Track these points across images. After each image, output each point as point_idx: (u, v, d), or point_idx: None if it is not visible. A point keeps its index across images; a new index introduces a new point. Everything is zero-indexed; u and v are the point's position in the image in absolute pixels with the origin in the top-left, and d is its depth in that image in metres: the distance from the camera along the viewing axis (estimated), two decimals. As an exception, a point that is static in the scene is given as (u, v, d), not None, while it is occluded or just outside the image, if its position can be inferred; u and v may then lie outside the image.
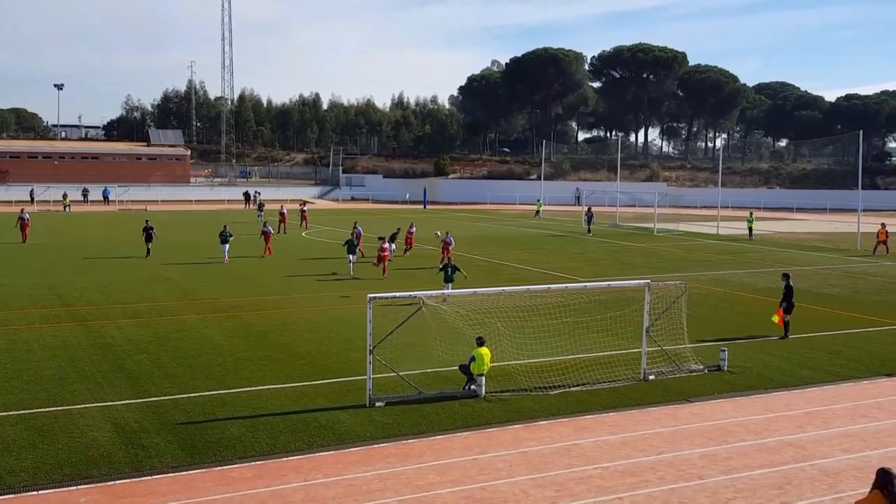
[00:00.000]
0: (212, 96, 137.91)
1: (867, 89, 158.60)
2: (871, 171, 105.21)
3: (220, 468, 13.46)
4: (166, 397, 17.19)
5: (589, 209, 62.41)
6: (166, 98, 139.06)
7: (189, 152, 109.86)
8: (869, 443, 15.12)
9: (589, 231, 59.64)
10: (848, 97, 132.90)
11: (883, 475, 9.10)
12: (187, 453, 14.05)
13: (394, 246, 40.07)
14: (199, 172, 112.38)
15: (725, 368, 20.00)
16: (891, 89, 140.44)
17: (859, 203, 55.24)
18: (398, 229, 42.63)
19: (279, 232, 53.43)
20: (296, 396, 17.39)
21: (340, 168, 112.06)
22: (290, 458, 13.97)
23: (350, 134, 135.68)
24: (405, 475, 13.20)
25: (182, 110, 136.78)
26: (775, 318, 23.98)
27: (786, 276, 24.82)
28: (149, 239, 41.18)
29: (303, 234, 55.14)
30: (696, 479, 13.27)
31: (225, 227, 41.03)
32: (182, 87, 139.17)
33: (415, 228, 43.96)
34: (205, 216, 70.82)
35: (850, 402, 17.80)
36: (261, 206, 67.78)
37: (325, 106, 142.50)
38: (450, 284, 28.62)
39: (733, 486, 12.97)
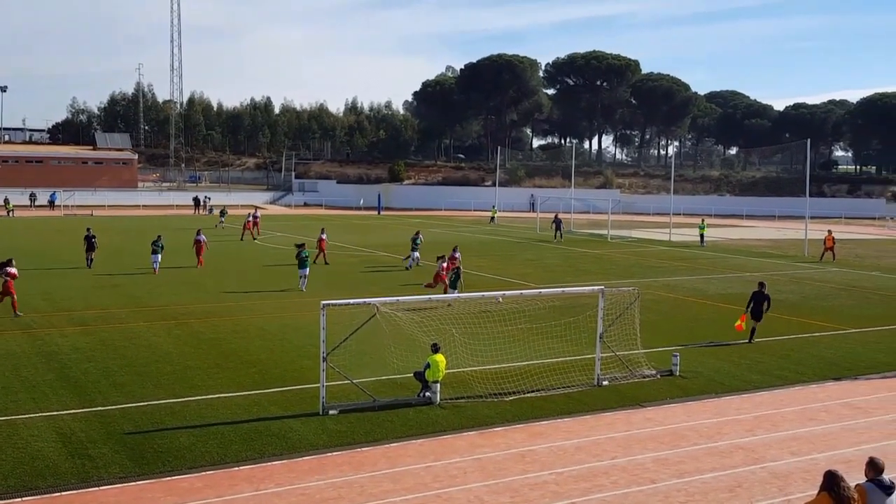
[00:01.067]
0: (160, 99, 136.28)
1: (814, 99, 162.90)
2: (818, 179, 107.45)
3: (169, 478, 13.20)
4: (113, 406, 16.82)
5: (556, 216, 62.96)
6: (113, 101, 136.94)
7: (136, 156, 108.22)
8: (817, 445, 15.36)
9: (559, 237, 59.97)
10: (796, 106, 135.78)
11: (830, 477, 9.24)
12: (135, 463, 13.76)
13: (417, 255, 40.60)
14: (147, 177, 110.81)
15: (677, 373, 20.19)
16: (837, 99, 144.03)
17: (807, 210, 56.35)
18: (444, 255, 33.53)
19: (241, 238, 53.26)
20: (247, 405, 17.14)
21: (293, 173, 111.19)
22: (241, 467, 13.75)
23: (303, 139, 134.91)
24: (359, 483, 13.07)
25: (129, 113, 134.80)
26: (741, 325, 24.20)
27: (760, 285, 25.20)
28: (90, 248, 38.30)
29: (255, 240, 54.52)
30: (649, 483, 13.35)
31: (158, 237, 38.29)
32: (129, 90, 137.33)
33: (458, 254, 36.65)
34: (153, 222, 69.73)
35: (799, 405, 18.07)
36: (223, 213, 66.68)
37: (276, 110, 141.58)
38: (454, 291, 28.35)
39: (685, 490, 13.07)
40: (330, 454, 14.43)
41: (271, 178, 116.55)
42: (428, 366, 17.61)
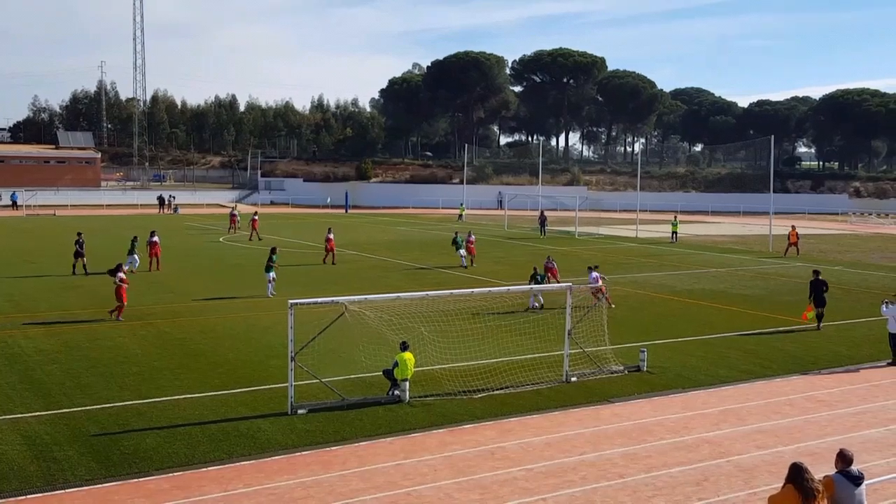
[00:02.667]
0: (123, 97, 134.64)
1: (778, 95, 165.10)
2: (781, 175, 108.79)
3: (136, 480, 13.07)
4: (79, 409, 16.62)
5: (542, 213, 63.59)
6: (75, 99, 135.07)
7: (100, 155, 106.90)
8: (782, 439, 15.56)
9: (544, 234, 61.09)
10: (760, 103, 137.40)
11: (795, 470, 9.34)
12: (102, 466, 13.60)
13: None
14: (111, 176, 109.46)
15: (645, 369, 20.36)
16: (800, 96, 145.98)
17: (771, 206, 57.07)
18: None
19: (250, 238, 52.28)
20: (215, 405, 17.01)
21: (259, 172, 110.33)
22: (209, 468, 13.65)
23: (268, 137, 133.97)
24: (328, 483, 13.03)
25: (92, 112, 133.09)
26: (808, 315, 25.72)
27: (815, 273, 27.04)
28: (78, 255, 36.07)
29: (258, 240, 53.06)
30: (618, 478, 13.44)
31: (135, 238, 38.00)
32: (92, 88, 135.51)
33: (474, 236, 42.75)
34: (117, 221, 68.95)
35: (764, 399, 18.30)
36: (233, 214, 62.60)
37: (242, 108, 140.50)
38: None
39: (653, 484, 13.18)
40: (299, 454, 14.37)
41: (237, 176, 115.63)
42: (397, 364, 17.60)
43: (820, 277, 26.70)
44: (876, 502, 12.18)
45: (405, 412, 16.77)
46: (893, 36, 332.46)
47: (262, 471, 13.55)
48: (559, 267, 33.67)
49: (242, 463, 13.89)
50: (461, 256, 41.17)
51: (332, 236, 42.14)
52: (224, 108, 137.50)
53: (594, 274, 28.98)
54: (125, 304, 26.18)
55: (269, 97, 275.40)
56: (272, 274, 31.33)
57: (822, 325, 26.19)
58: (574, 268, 41.29)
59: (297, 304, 16.81)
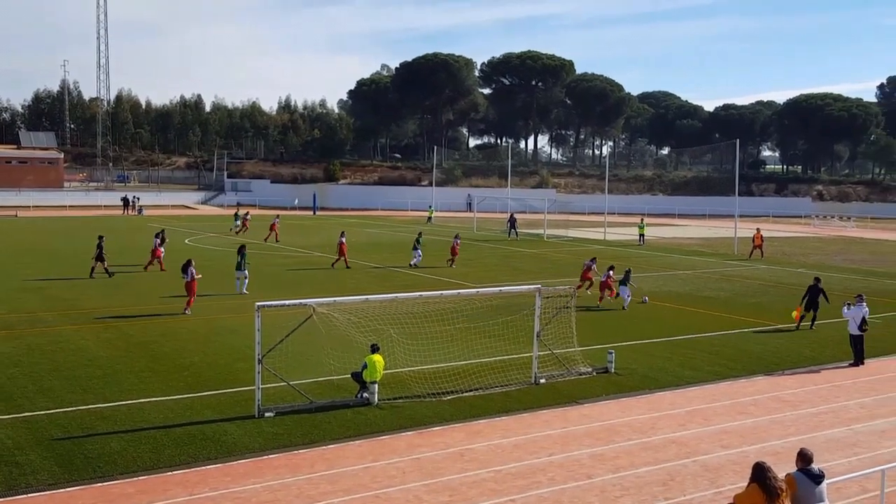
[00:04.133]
0: (87, 97, 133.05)
1: (743, 100, 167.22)
2: (747, 178, 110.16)
3: (100, 484, 12.89)
4: (41, 412, 16.35)
5: (512, 215, 63.71)
6: (37, 99, 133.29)
7: (62, 155, 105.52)
8: (747, 438, 15.73)
9: (514, 235, 61.70)
10: (725, 107, 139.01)
11: (759, 470, 9.46)
12: (65, 470, 13.40)
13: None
14: (74, 177, 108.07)
15: (613, 370, 20.47)
16: (765, 100, 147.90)
17: (736, 209, 57.76)
18: None
19: (265, 240, 52.23)
20: (180, 409, 16.82)
21: (225, 173, 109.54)
22: (174, 472, 13.49)
23: (235, 138, 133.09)
24: (296, 486, 12.95)
25: (55, 111, 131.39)
26: (793, 314, 26.99)
27: (816, 280, 28.10)
28: (99, 258, 35.33)
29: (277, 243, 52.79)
30: (586, 478, 13.50)
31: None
32: (55, 88, 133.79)
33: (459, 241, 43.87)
34: (80, 222, 68.05)
35: (729, 399, 18.49)
36: (237, 216, 62.21)
37: (207, 108, 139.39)
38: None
39: (620, 485, 13.26)
40: (266, 457, 14.26)
41: (202, 177, 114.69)
42: (366, 366, 17.53)
43: (819, 286, 27.57)
44: (838, 501, 12.35)
45: (374, 415, 16.72)
46: (856, 41, 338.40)
47: (229, 474, 13.43)
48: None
49: (208, 467, 13.75)
50: (415, 256, 41.54)
51: (344, 240, 41.72)
52: (189, 109, 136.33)
53: (595, 265, 32.74)
54: (194, 297, 27.47)
55: (235, 97, 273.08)
56: (245, 272, 31.74)
57: (814, 325, 27.23)
58: (544, 270, 41.48)
59: (264, 306, 16.69)
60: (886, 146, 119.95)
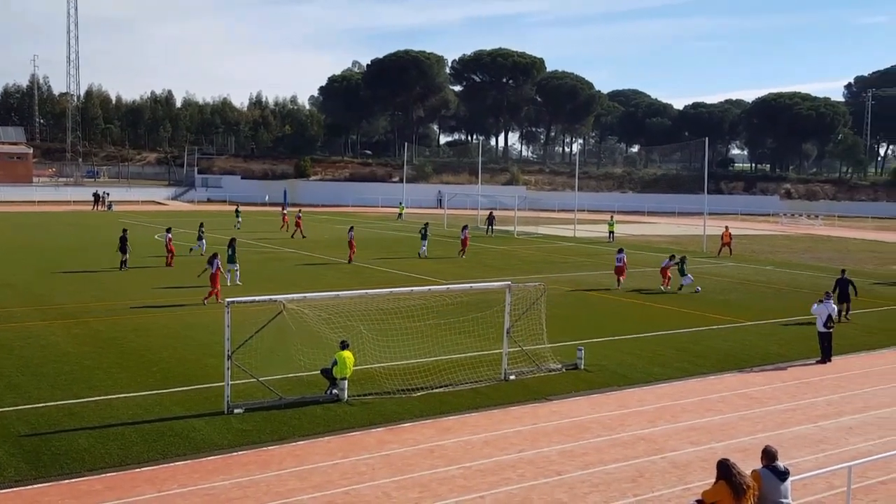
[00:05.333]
0: (56, 92, 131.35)
1: (712, 98, 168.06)
2: (715, 176, 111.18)
3: (68, 481, 12.75)
4: (9, 408, 16.14)
5: (491, 213, 64.41)
6: (6, 93, 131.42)
7: (31, 150, 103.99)
8: (715, 435, 15.87)
9: (490, 232, 62.07)
10: (695, 105, 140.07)
11: (724, 467, 9.55)
12: (32, 466, 13.23)
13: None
14: (43, 172, 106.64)
15: (582, 367, 20.57)
16: (734, 98, 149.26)
17: (705, 207, 58.26)
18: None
19: (292, 236, 54.04)
20: (149, 405, 16.67)
21: (195, 168, 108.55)
22: (143, 469, 13.37)
23: (206, 133, 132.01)
24: (265, 482, 12.88)
25: (24, 106, 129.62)
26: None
27: (842, 272, 29.50)
28: (123, 250, 36.80)
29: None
30: (555, 475, 13.56)
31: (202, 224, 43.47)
32: (24, 82, 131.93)
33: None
34: (50, 218, 67.15)
35: (698, 396, 18.65)
36: (237, 213, 64.32)
37: (178, 104, 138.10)
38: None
39: (589, 481, 13.33)
40: (235, 453, 14.18)
41: (173, 173, 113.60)
42: (335, 362, 17.48)
43: (846, 277, 28.73)
44: (805, 497, 12.51)
45: (343, 411, 16.67)
46: (824, 41, 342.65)
47: (198, 471, 13.33)
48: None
49: (177, 463, 13.65)
50: (422, 246, 44.95)
51: (352, 234, 42.79)
52: (160, 104, 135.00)
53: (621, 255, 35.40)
54: (217, 289, 28.40)
55: (206, 93, 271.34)
56: (237, 265, 33.01)
57: (848, 315, 28.19)
58: (514, 267, 41.58)
59: (233, 302, 16.58)
60: (853, 145, 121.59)
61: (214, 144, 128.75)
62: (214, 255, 29.44)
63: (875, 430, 16.37)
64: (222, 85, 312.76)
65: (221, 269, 29.37)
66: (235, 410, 16.26)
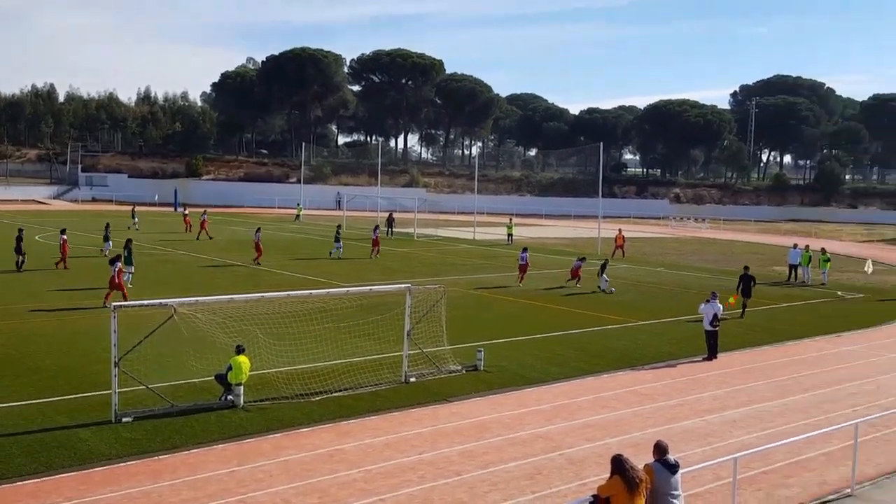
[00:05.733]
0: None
1: (607, 104, 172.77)
2: (609, 180, 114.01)
3: (-61, 500, 12.00)
4: None
5: (391, 214, 64.25)
6: None
7: None
8: (609, 431, 16.22)
9: (390, 234, 61.76)
10: (590, 111, 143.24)
11: (618, 462, 9.73)
12: None
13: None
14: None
15: (482, 368, 20.70)
16: (627, 105, 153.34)
17: (600, 210, 59.66)
18: None
19: (197, 238, 53.22)
20: (30, 415, 15.86)
21: (79, 166, 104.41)
22: (25, 481, 12.71)
23: (90, 130, 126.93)
24: (157, 493, 12.43)
25: None
26: (731, 300, 28.42)
27: (745, 268, 32.08)
28: (19, 251, 36.25)
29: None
30: (455, 475, 13.57)
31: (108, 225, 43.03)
32: None
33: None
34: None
35: (593, 394, 19.02)
36: (133, 213, 62.70)
37: (61, 98, 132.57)
38: None
39: (489, 480, 13.39)
40: (124, 464, 13.64)
41: (55, 171, 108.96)
42: (230, 368, 17.04)
43: (749, 273, 31.42)
44: (694, 488, 12.90)
45: (239, 417, 16.27)
46: (712, 51, 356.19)
47: (85, 483, 12.76)
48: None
49: (62, 475, 13.02)
50: (336, 248, 45.84)
51: (259, 236, 42.87)
52: (41, 99, 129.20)
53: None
54: (113, 291, 27.81)
55: (91, 88, 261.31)
56: (132, 267, 32.31)
57: (745, 314, 30.27)
58: (414, 269, 41.58)
59: (120, 306, 15.97)
60: (738, 152, 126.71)
61: (100, 141, 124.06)
62: (117, 258, 29.16)
63: (757, 423, 17.06)
64: (109, 79, 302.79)
65: (123, 271, 28.95)
66: (124, 419, 15.66)
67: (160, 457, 14.03)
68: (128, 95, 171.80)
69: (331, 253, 45.94)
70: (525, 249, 38.68)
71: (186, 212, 62.67)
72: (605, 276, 36.01)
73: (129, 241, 33.62)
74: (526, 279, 36.98)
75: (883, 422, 16.76)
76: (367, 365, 20.16)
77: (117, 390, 15.74)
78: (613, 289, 35.58)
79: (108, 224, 45.74)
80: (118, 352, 15.74)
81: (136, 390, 16.80)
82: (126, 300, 26.25)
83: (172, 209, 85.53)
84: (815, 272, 41.84)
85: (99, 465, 13.52)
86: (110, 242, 42.42)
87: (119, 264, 28.73)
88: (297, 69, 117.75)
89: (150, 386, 16.90)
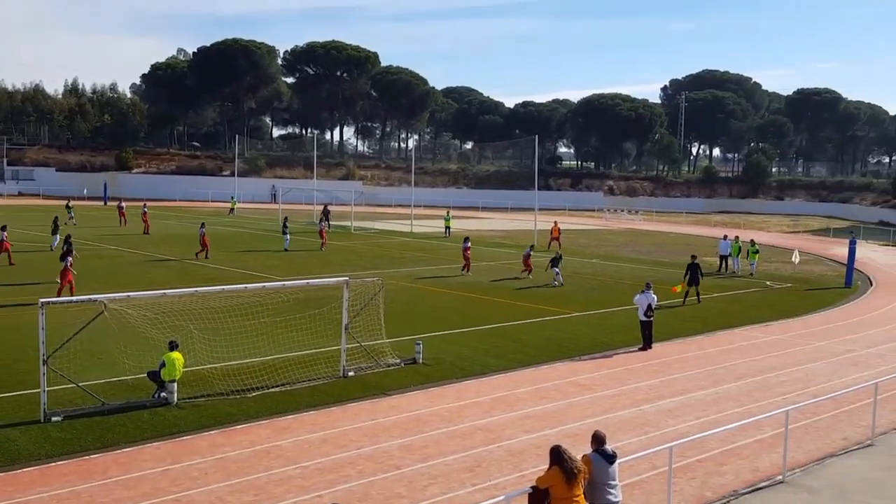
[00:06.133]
0: None
1: (541, 97, 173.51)
2: (545, 173, 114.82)
3: None
4: None
5: (325, 207, 63.72)
6: None
7: None
8: (548, 422, 16.34)
9: (328, 227, 60.55)
10: (525, 104, 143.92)
11: (556, 453, 9.80)
12: None
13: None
14: None
15: (421, 361, 20.68)
16: (561, 98, 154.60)
17: (536, 202, 60.10)
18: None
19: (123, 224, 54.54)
20: (-46, 416, 15.32)
21: (5, 160, 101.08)
22: (-54, 487, 12.26)
23: (15, 122, 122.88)
24: (88, 493, 12.11)
25: None
26: (677, 288, 30.50)
27: (693, 257, 33.41)
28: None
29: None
30: (394, 469, 13.52)
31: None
32: None
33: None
34: None
35: (532, 385, 19.15)
36: (69, 207, 60.38)
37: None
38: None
39: (428, 474, 13.38)
40: (54, 464, 13.27)
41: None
42: (164, 364, 16.70)
43: (696, 262, 32.81)
44: (631, 478, 13.08)
45: (173, 415, 15.96)
46: (644, 45, 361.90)
47: (12, 484, 12.37)
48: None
49: (-13, 478, 12.61)
50: (285, 240, 46.61)
51: (204, 230, 42.18)
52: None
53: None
54: (65, 286, 27.61)
55: (15, 79, 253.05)
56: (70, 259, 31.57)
57: (700, 299, 32.05)
58: (351, 262, 41.33)
59: (48, 302, 15.50)
60: (669, 145, 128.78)
61: (26, 134, 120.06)
62: (68, 252, 29.41)
63: (692, 412, 17.38)
64: (34, 71, 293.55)
65: (71, 268, 28.52)
66: (53, 418, 15.22)
67: (91, 456, 13.69)
68: (55, 87, 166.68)
69: (286, 248, 46.24)
70: (467, 239, 40.17)
71: (122, 205, 61.19)
72: (557, 269, 36.20)
73: (68, 236, 34.31)
74: (466, 271, 37.58)
75: (812, 409, 17.18)
76: (304, 359, 19.96)
77: (46, 389, 15.31)
78: (560, 282, 35.73)
79: (56, 217, 45.55)
80: (47, 349, 15.30)
81: (65, 388, 16.36)
82: (72, 292, 26.48)
83: (102, 203, 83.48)
84: (745, 263, 42.83)
85: (28, 466, 13.15)
86: (58, 236, 41.80)
87: (70, 259, 28.62)
88: (229, 60, 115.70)
89: (80, 384, 16.47)
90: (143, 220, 54.26)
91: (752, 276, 41.10)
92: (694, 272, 32.32)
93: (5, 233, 37.54)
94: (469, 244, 39.47)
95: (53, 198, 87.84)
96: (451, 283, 34.97)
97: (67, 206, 60.99)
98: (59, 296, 26.40)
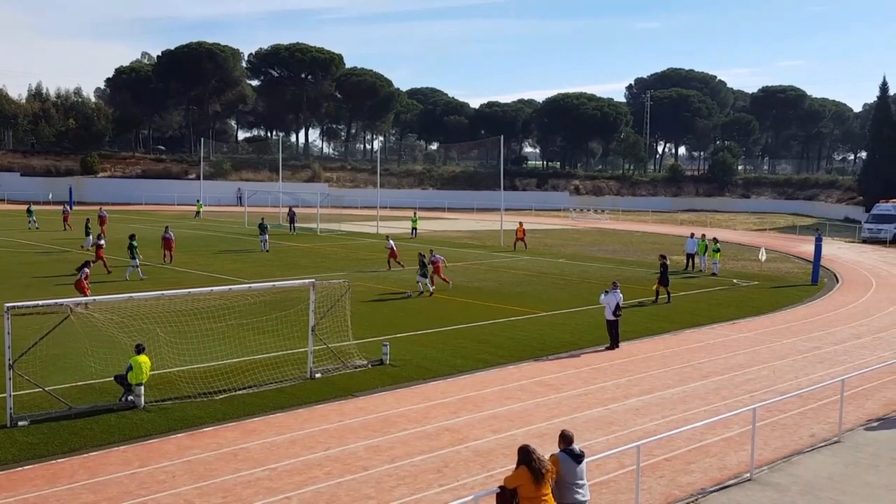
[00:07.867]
0: None
1: (506, 98, 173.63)
2: (511, 173, 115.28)
3: None
4: None
5: (291, 209, 63.71)
6: None
7: None
8: (515, 422, 16.48)
9: (293, 230, 61.45)
10: (490, 105, 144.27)
11: (525, 452, 9.90)
12: None
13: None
14: None
15: (388, 362, 20.75)
16: (526, 98, 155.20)
17: (501, 203, 60.37)
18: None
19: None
20: (-84, 424, 15.14)
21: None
22: None
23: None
24: (55, 497, 12.07)
25: None
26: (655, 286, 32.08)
27: (662, 257, 34.01)
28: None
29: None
30: (362, 470, 13.60)
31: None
32: None
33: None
34: None
35: (498, 386, 19.29)
36: (30, 212, 60.42)
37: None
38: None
39: (396, 475, 13.47)
40: (20, 469, 13.19)
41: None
42: (130, 368, 16.65)
43: (666, 262, 33.31)
44: (598, 476, 13.26)
45: (140, 418, 15.91)
46: (608, 45, 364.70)
47: (-24, 492, 12.27)
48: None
49: (-49, 486, 12.50)
50: (262, 242, 47.28)
51: (171, 234, 41.83)
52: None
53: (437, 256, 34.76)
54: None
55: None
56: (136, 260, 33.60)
57: (670, 298, 32.50)
58: (318, 265, 41.27)
59: (13, 307, 15.38)
60: (634, 143, 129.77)
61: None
62: (86, 264, 29.30)
63: (659, 411, 17.59)
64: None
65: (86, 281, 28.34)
66: (19, 423, 15.12)
67: (58, 460, 13.63)
68: (18, 91, 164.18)
69: (268, 249, 46.88)
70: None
71: (67, 210, 61.56)
72: (426, 278, 32.71)
73: (132, 235, 36.00)
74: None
75: (779, 406, 17.41)
76: (271, 362, 19.97)
77: (12, 393, 15.20)
78: (429, 290, 32.57)
79: (87, 220, 48.05)
80: (12, 354, 15.18)
81: (32, 393, 16.25)
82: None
83: (68, 207, 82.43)
84: (708, 261, 43.33)
85: (-8, 473, 13.03)
86: (91, 237, 42.84)
87: (87, 270, 28.57)
88: (193, 64, 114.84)
89: (47, 388, 16.36)
90: (100, 224, 53.36)
91: (715, 275, 41.51)
92: (665, 272, 32.80)
93: None
94: (394, 243, 40.54)
95: (18, 203, 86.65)
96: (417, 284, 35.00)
97: (28, 211, 60.29)
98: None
